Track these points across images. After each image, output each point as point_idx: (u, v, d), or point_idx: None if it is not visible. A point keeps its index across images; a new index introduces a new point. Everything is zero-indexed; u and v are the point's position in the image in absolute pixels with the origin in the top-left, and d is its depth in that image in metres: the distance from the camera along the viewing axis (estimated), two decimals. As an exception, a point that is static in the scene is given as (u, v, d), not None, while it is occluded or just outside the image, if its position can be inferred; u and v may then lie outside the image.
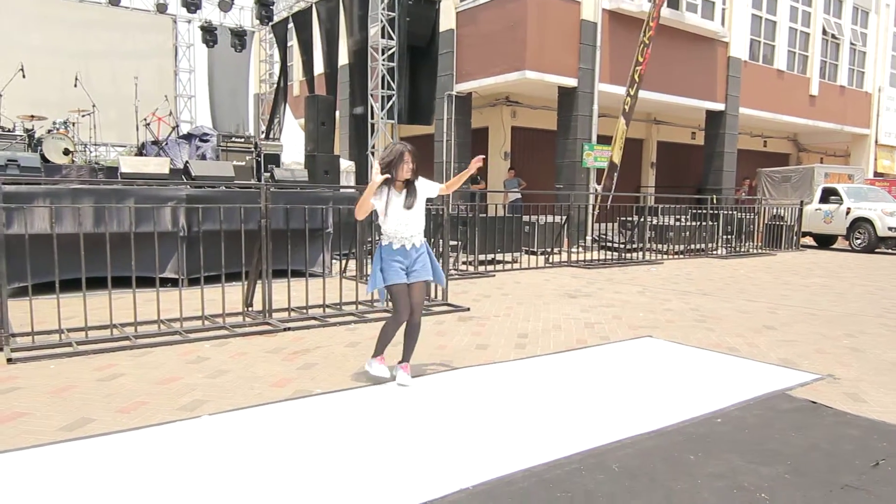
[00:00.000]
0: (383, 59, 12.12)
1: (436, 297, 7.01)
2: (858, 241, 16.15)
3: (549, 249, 11.67)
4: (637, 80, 14.06)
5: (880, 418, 3.59)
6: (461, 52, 15.65)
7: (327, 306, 6.29)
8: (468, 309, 6.69)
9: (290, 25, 14.83)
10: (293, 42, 17.37)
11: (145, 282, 5.79)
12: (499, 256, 10.78)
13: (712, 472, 2.85)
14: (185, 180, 8.70)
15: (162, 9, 14.14)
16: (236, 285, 6.43)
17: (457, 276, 9.09)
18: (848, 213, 16.35)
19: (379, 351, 4.10)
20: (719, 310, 7.08)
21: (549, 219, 12.26)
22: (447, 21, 14.97)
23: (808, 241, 17.59)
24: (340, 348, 4.96)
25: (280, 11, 14.62)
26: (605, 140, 15.01)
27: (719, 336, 5.73)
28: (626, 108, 14.10)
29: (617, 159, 14.21)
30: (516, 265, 10.64)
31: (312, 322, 5.84)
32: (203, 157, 12.68)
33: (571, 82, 14.75)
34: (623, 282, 9.28)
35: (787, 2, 20.49)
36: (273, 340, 5.17)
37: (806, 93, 21.61)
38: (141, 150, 12.74)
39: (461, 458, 2.96)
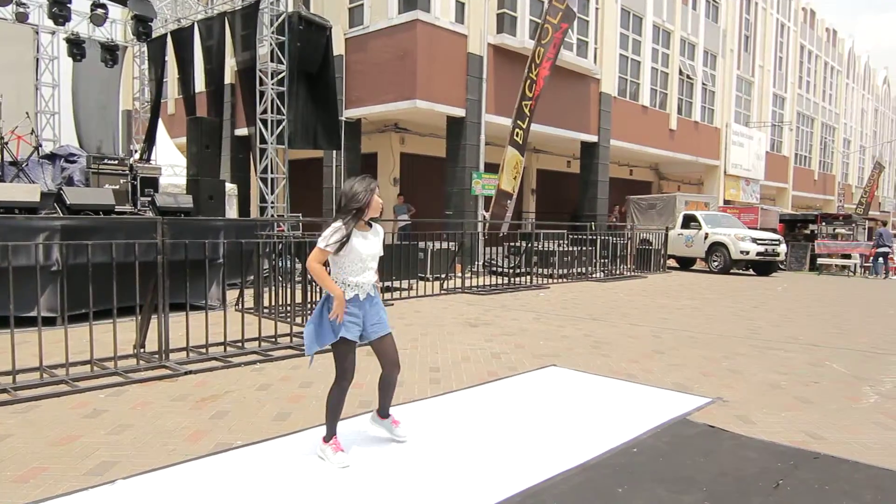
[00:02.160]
0: (273, 83, 11.82)
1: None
2: (715, 264, 17.79)
3: (442, 276, 11.84)
4: (528, 113, 14.70)
5: (770, 439, 3.97)
6: (350, 79, 15.64)
7: (228, 344, 6.00)
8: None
9: (168, 42, 14.11)
10: (170, 59, 16.54)
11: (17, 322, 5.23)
12: (395, 283, 10.78)
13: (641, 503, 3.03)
14: (59, 208, 7.99)
15: (22, 18, 12.93)
16: (125, 322, 5.96)
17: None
18: (706, 238, 17.98)
19: (331, 431, 3.46)
20: (610, 335, 7.52)
21: (441, 245, 12.47)
22: (336, 47, 14.89)
23: (672, 262, 19.10)
24: (252, 392, 4.74)
25: (158, 28, 13.83)
26: (492, 168, 15.52)
27: (616, 362, 6.08)
28: (518, 139, 14.67)
29: (508, 187, 14.72)
30: (412, 293, 10.69)
31: (214, 363, 5.54)
32: (70, 180, 11.67)
33: (460, 112, 15.18)
34: (517, 308, 9.60)
35: (649, 44, 22.37)
36: (175, 386, 4.84)
37: (666, 127, 23.64)
38: (-2, 173, 11.52)
39: (404, 508, 2.94)
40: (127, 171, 11.94)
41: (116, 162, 12.13)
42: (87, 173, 11.54)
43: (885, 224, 29.84)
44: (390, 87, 14.70)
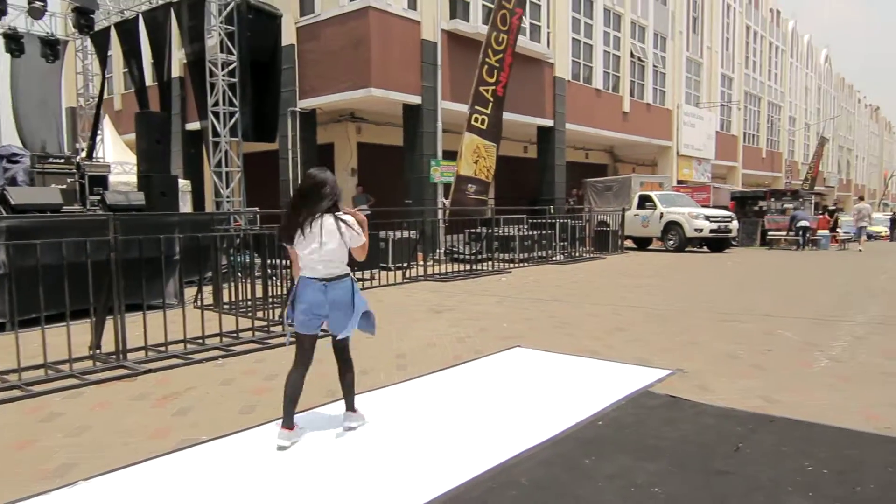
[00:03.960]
0: (223, 75, 11.55)
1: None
2: (671, 242, 18.18)
3: (404, 265, 11.82)
4: (490, 98, 14.69)
5: (728, 405, 4.10)
6: (303, 68, 15.40)
7: (188, 341, 5.88)
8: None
9: (113, 35, 13.64)
10: (113, 53, 16.02)
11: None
12: (357, 274, 10.69)
13: (608, 473, 3.10)
14: (2, 209, 7.68)
15: (-48, 12, 12.33)
16: (79, 324, 5.79)
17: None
18: (661, 217, 18.35)
19: (286, 418, 3.52)
20: (572, 315, 7.63)
21: (402, 234, 12.43)
22: (288, 36, 14.65)
23: (629, 243, 19.45)
24: (215, 387, 4.66)
25: (101, 21, 13.35)
26: (450, 156, 15.51)
27: (579, 340, 6.19)
28: (478, 125, 14.65)
29: (468, 171, 14.71)
30: (375, 282, 10.65)
31: (175, 361, 5.42)
32: (14, 180, 11.24)
33: (416, 99, 15.10)
34: (479, 293, 9.65)
35: (601, 27, 22.59)
36: (134, 386, 4.73)
37: (619, 110, 23.96)
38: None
39: (379, 490, 2.94)
40: (74, 170, 11.56)
41: (62, 161, 11.74)
42: (32, 173, 11.13)
43: (861, 199, 31.16)
44: (344, 75, 14.54)
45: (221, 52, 11.63)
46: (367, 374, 4.96)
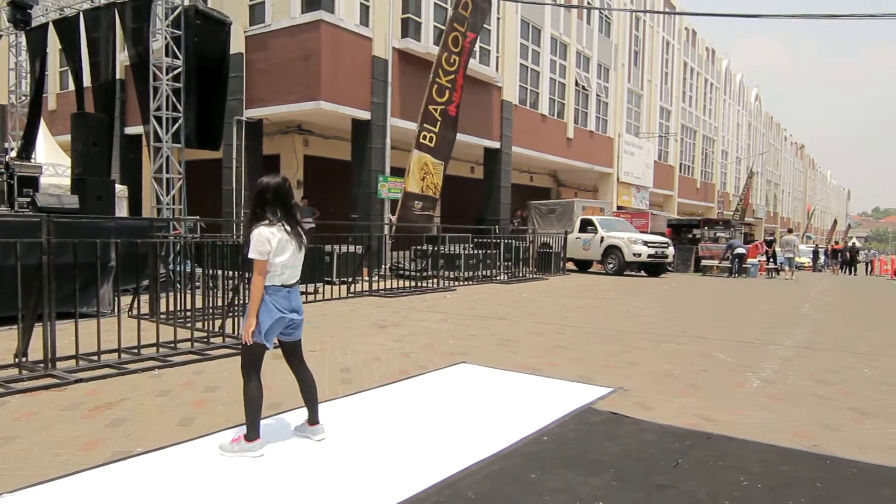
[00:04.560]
0: (168, 79, 11.26)
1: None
2: (611, 266, 18.67)
3: (348, 279, 11.71)
4: (439, 117, 14.82)
5: (668, 422, 4.22)
6: (251, 78, 15.18)
7: (122, 350, 5.65)
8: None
9: (50, 32, 13.12)
10: (52, 51, 15.41)
11: None
12: (300, 288, 10.52)
13: (553, 487, 3.13)
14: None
15: None
16: (4, 331, 5.49)
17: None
18: (602, 241, 18.85)
19: (253, 430, 3.45)
20: (516, 333, 7.72)
21: (348, 248, 12.33)
22: (236, 45, 14.43)
23: (570, 265, 19.87)
24: (151, 398, 4.48)
25: (38, 17, 12.83)
26: (398, 172, 15.53)
27: (523, 358, 6.26)
28: (427, 142, 14.76)
29: (415, 188, 14.77)
30: (319, 296, 10.50)
31: (108, 371, 5.19)
32: (-65, 179, 10.59)
33: (365, 115, 15.10)
34: (424, 310, 9.66)
35: (548, 55, 23.22)
36: (64, 395, 4.50)
37: (564, 135, 24.59)
38: None
39: (327, 503, 2.88)
40: (2, 170, 11.00)
41: (-10, 159, 11.15)
42: (-46, 171, 10.53)
43: (790, 231, 32.77)
44: (293, 87, 14.41)
45: (167, 56, 11.35)
46: (312, 388, 4.87)
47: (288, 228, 3.43)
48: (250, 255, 3.37)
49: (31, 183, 11.19)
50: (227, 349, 6.15)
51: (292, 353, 3.68)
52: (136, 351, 5.71)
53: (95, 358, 5.39)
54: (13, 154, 12.90)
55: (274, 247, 3.38)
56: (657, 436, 3.96)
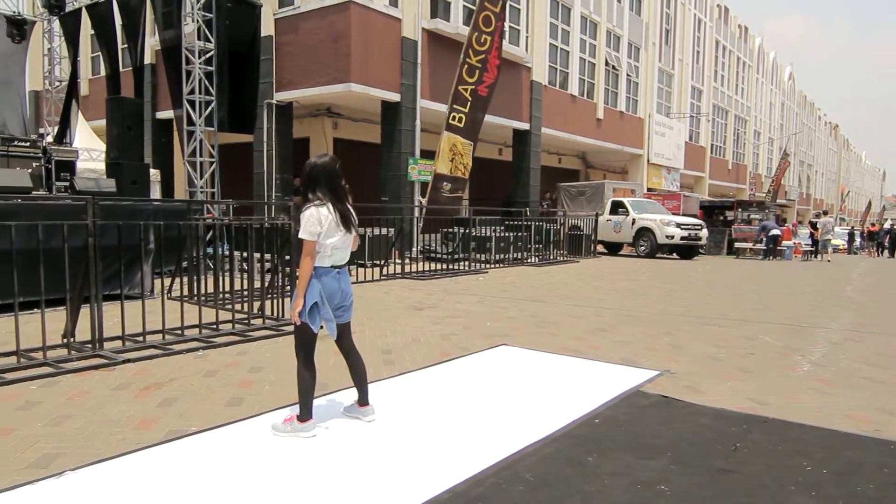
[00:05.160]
0: (200, 63, 11.29)
1: (282, 316, 6.69)
2: (642, 248, 18.43)
3: (380, 262, 11.70)
4: (469, 97, 14.68)
5: (720, 406, 4.12)
6: (281, 61, 15.17)
7: (166, 332, 5.70)
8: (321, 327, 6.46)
9: (84, 18, 13.24)
10: (83, 36, 15.55)
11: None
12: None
13: (612, 471, 3.07)
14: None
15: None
16: (52, 312, 5.56)
17: (295, 293, 8.75)
18: (633, 223, 18.59)
19: (306, 411, 3.45)
20: (553, 315, 7.64)
21: (379, 231, 12.31)
22: (266, 27, 14.41)
23: (601, 248, 19.66)
24: (198, 379, 4.51)
25: (70, 2, 12.94)
26: (428, 154, 15.45)
27: (563, 340, 6.18)
28: (457, 123, 14.64)
29: (444, 170, 14.68)
30: (352, 278, 10.50)
31: (154, 351, 5.24)
32: (-25, 163, 10.77)
33: (395, 97, 15.01)
34: (458, 292, 9.61)
35: (577, 34, 22.81)
36: (113, 375, 4.55)
37: (593, 116, 24.22)
38: None
39: (381, 487, 2.86)
40: (40, 154, 11.16)
41: (28, 144, 11.32)
42: (-6, 156, 10.70)
43: (825, 213, 32.03)
44: (323, 69, 14.36)
45: (199, 39, 11.37)
46: (355, 369, 4.86)
47: (338, 209, 3.39)
48: (300, 236, 3.33)
49: (68, 167, 11.36)
50: (266, 330, 6.18)
51: (342, 335, 3.66)
52: (179, 332, 5.77)
53: (140, 339, 5.45)
54: (50, 139, 13.10)
55: (324, 228, 3.34)
56: (711, 419, 3.87)
